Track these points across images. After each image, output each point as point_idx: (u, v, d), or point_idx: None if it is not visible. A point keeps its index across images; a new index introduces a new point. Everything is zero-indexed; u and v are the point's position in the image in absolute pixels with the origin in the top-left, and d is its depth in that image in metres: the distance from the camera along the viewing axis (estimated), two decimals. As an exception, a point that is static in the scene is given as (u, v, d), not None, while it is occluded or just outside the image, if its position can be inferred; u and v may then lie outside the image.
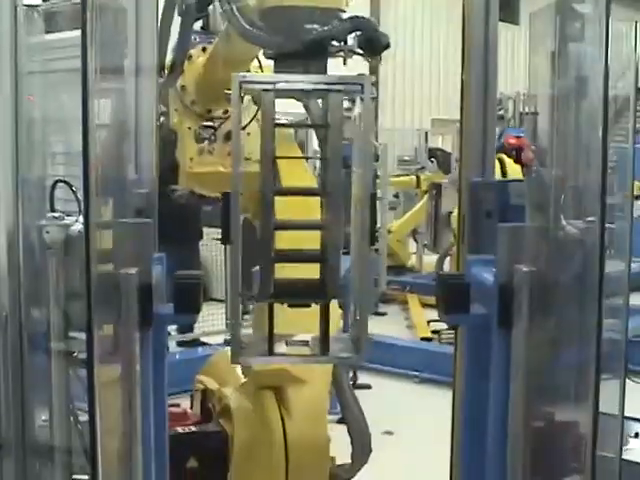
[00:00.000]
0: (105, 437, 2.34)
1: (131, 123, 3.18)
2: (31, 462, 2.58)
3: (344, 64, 3.42)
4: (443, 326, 12.72)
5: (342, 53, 3.40)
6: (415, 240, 17.38)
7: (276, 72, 3.56)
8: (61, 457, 2.68)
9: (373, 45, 3.43)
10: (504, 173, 13.06)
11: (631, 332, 9.88)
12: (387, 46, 3.49)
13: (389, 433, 8.46)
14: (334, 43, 3.35)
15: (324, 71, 3.41)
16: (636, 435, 5.76)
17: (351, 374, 8.95)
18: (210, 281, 14.24)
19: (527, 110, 12.94)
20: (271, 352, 2.85)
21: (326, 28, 3.31)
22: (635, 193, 13.58)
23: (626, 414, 4.65)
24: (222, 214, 2.82)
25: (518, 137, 13.62)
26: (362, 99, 2.86)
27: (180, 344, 12.39)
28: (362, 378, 9.63)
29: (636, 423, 5.91)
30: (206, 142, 4.69)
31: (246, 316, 11.97)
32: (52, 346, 2.46)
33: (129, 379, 2.45)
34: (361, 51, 3.44)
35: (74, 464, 2.72)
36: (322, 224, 2.81)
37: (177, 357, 10.78)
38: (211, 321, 12.54)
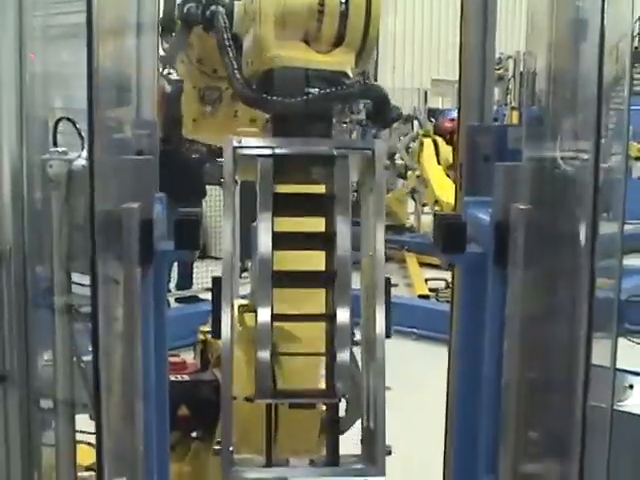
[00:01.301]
0: (108, 374, 2.39)
1: (132, 66, 3.19)
2: (34, 398, 2.62)
3: (350, 135, 3.31)
4: (440, 285, 12.86)
5: (346, 124, 3.24)
6: (414, 199, 17.48)
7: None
8: (64, 396, 2.71)
9: (382, 118, 3.21)
10: (437, 153, 14.35)
11: (629, 292, 9.95)
12: (398, 118, 3.29)
13: (387, 388, 8.54)
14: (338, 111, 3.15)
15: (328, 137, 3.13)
16: (631, 387, 5.83)
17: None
18: (209, 239, 14.31)
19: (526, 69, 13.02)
20: (269, 463, 2.66)
21: (329, 91, 3.04)
22: (635, 155, 13.68)
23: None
24: (213, 302, 2.66)
25: (452, 120, 14.54)
26: (374, 170, 2.65)
27: (178, 300, 12.47)
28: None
29: (632, 376, 5.98)
30: (209, 107, 4.42)
31: (244, 274, 11.98)
32: (55, 283, 2.50)
33: (130, 315, 2.49)
34: (367, 121, 3.23)
35: (76, 402, 2.76)
36: (329, 313, 2.62)
37: (182, 312, 10.85)
38: (208, 278, 12.57)
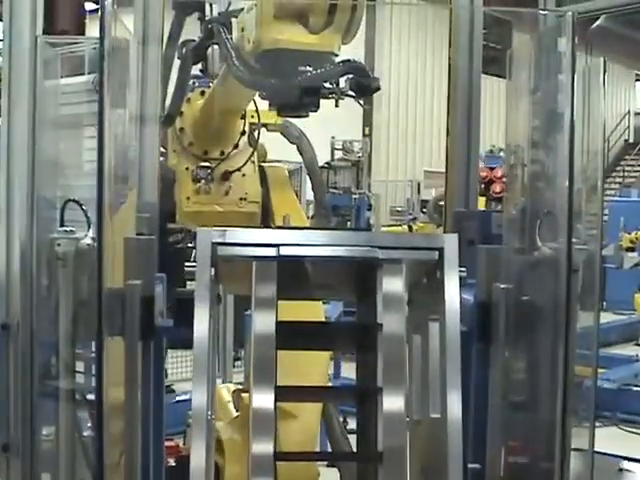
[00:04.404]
0: (109, 447, 2.47)
1: (136, 153, 3.31)
2: (36, 467, 2.70)
3: (336, 105, 3.48)
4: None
5: (334, 95, 3.45)
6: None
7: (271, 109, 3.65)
8: (65, 468, 2.77)
9: (364, 88, 3.48)
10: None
11: (620, 381, 9.98)
12: (377, 89, 3.53)
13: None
14: (327, 85, 3.42)
15: (316, 109, 3.49)
16: (620, 470, 5.94)
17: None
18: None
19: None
20: None
21: (320, 71, 3.35)
22: (626, 245, 13.99)
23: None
24: None
25: (491, 168, 14.14)
26: (442, 275, 2.19)
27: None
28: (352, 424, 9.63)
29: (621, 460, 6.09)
30: (202, 182, 4.70)
31: (237, 362, 11.90)
32: (60, 357, 2.61)
33: (132, 386, 2.59)
34: (352, 93, 3.47)
35: (77, 472, 2.82)
36: None
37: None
38: (179, 368, 12.06)
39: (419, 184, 21.41)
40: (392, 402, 2.13)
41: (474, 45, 3.44)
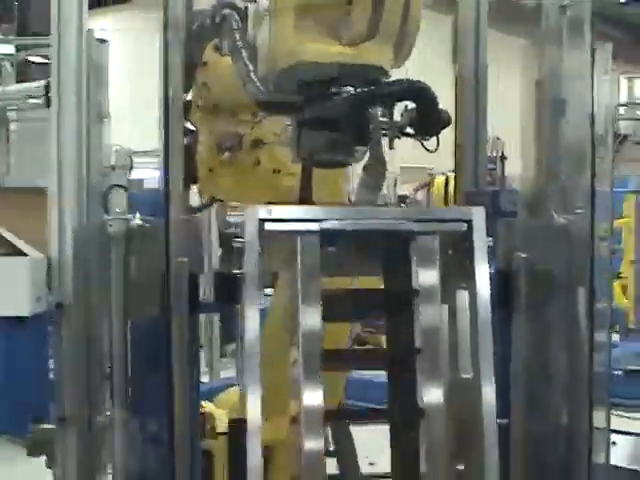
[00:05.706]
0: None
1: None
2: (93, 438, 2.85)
3: (390, 147, 2.66)
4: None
5: (387, 131, 2.64)
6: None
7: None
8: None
9: (430, 122, 2.62)
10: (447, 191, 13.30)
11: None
12: (447, 124, 2.71)
13: (372, 464, 8.66)
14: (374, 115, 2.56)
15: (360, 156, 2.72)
16: (613, 443, 6.11)
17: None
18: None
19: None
20: None
21: (363, 90, 2.52)
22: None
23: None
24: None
25: None
26: (472, 245, 2.31)
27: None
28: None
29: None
30: (227, 153, 3.68)
31: (224, 359, 11.74)
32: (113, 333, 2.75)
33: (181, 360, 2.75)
34: (411, 130, 2.67)
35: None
36: None
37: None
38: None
39: (396, 179, 21.44)
40: (431, 362, 2.30)
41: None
